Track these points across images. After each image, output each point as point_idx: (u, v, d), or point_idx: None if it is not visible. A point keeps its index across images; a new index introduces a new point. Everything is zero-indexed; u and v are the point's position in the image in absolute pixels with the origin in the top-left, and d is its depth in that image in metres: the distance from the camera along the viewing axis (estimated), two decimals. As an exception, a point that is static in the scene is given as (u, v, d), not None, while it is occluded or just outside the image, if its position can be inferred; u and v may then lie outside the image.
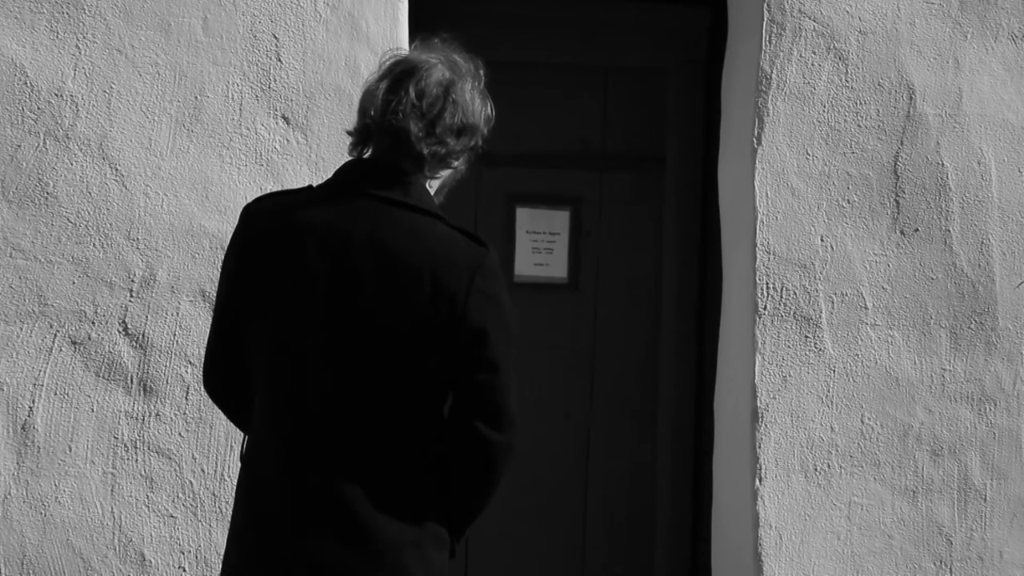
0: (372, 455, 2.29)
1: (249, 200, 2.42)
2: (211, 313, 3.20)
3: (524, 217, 3.97)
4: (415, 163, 2.34)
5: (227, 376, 2.43)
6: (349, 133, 2.42)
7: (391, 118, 2.32)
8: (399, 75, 2.34)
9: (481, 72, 2.41)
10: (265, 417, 2.35)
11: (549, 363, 4.13)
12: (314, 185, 2.45)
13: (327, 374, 2.28)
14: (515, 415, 2.34)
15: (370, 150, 2.39)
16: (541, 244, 3.94)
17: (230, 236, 3.23)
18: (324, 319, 2.28)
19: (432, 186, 2.40)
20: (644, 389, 4.15)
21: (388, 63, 2.39)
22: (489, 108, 2.41)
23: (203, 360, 2.48)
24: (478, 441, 2.31)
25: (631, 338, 4.15)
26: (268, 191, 3.27)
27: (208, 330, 2.46)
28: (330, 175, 3.35)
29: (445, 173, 2.41)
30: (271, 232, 2.33)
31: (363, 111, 2.38)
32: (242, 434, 2.53)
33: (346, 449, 2.29)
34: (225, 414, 2.54)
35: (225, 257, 2.43)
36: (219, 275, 2.43)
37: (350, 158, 2.42)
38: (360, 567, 2.27)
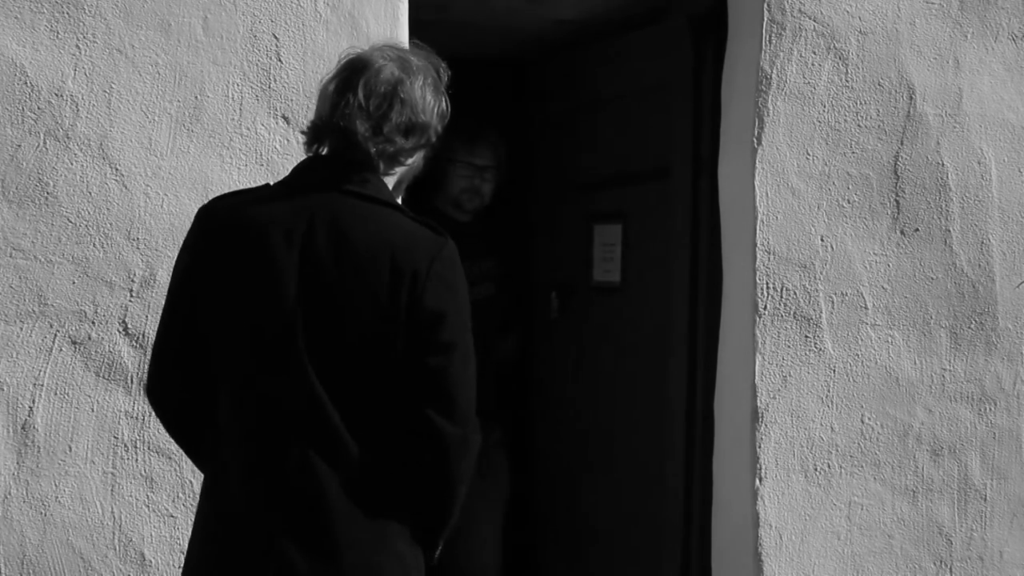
0: (344, 449, 2.28)
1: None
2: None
3: (598, 232, 4.51)
4: (367, 161, 2.33)
5: (182, 381, 2.39)
6: (302, 132, 2.42)
7: (338, 119, 2.31)
8: (348, 74, 2.34)
9: (440, 72, 2.39)
10: (231, 414, 2.33)
11: (607, 361, 4.44)
12: (271, 183, 2.43)
13: (297, 366, 2.27)
14: (469, 406, 2.31)
15: (326, 148, 2.38)
16: (607, 254, 4.47)
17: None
18: (292, 312, 2.26)
19: (389, 182, 2.40)
20: (653, 388, 4.17)
21: (342, 62, 2.38)
22: (443, 104, 2.39)
23: (149, 370, 2.43)
24: (431, 432, 2.28)
25: (650, 338, 4.20)
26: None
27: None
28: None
29: (400, 170, 2.41)
30: (232, 229, 2.31)
31: (317, 111, 2.38)
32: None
33: (317, 444, 2.27)
34: (169, 427, 2.48)
35: (179, 258, 2.39)
36: (171, 277, 2.41)
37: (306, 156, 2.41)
38: (330, 566, 2.26)
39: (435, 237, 2.32)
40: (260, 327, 2.29)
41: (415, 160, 2.42)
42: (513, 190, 4.55)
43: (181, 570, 2.45)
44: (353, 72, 2.34)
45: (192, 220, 2.41)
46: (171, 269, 3.19)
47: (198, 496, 3.20)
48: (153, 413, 3.20)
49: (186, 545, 3.21)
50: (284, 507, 2.27)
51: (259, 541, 2.28)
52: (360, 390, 2.29)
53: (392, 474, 2.31)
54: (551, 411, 4.67)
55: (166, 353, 2.40)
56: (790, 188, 3.68)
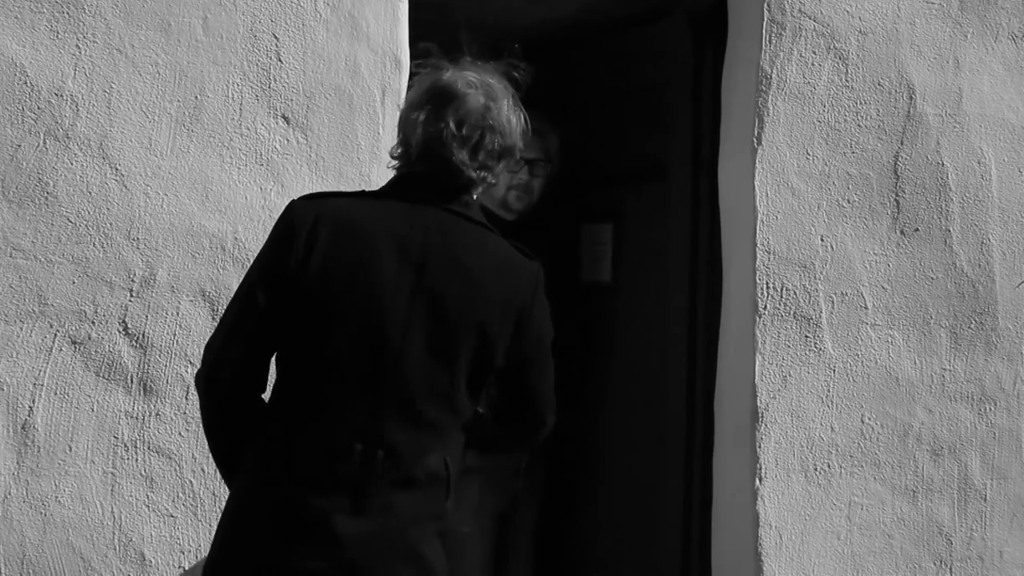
0: (428, 454, 2.40)
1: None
2: (212, 312, 3.22)
3: (587, 231, 4.47)
4: (468, 185, 2.47)
5: (245, 367, 2.42)
6: (393, 156, 2.51)
7: (435, 147, 2.43)
8: (437, 103, 2.44)
9: (514, 79, 2.53)
10: (299, 411, 2.39)
11: (603, 360, 4.43)
12: (366, 190, 2.59)
13: (396, 368, 2.37)
14: (552, 400, 2.60)
15: (418, 168, 2.48)
16: (597, 253, 4.43)
17: (230, 235, 3.25)
18: (402, 319, 2.37)
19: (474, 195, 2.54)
20: (652, 388, 4.17)
21: (425, 87, 2.48)
22: (524, 120, 2.54)
23: (216, 351, 2.43)
24: (529, 429, 2.61)
25: (646, 337, 4.20)
26: (267, 191, 3.28)
27: (223, 320, 2.47)
28: (330, 175, 3.36)
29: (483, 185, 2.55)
30: (347, 231, 2.40)
31: (404, 139, 2.48)
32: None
33: (401, 446, 2.38)
34: (214, 413, 2.47)
35: (269, 250, 2.43)
36: (259, 265, 2.44)
37: (397, 172, 2.52)
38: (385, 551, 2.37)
39: (531, 263, 2.52)
40: (367, 330, 2.37)
41: (498, 179, 2.58)
42: (563, 183, 4.37)
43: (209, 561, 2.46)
44: (440, 102, 2.44)
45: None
46: (171, 269, 3.22)
47: (198, 496, 3.22)
48: (152, 413, 3.22)
49: (186, 544, 3.22)
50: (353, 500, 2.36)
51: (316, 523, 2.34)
52: (458, 396, 2.43)
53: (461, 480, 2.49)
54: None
55: (239, 338, 2.41)
56: (790, 188, 3.68)
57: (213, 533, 3.21)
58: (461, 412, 2.45)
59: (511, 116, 2.48)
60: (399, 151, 2.49)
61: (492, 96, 2.46)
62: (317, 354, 2.39)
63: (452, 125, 2.41)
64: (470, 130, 2.42)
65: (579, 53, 4.54)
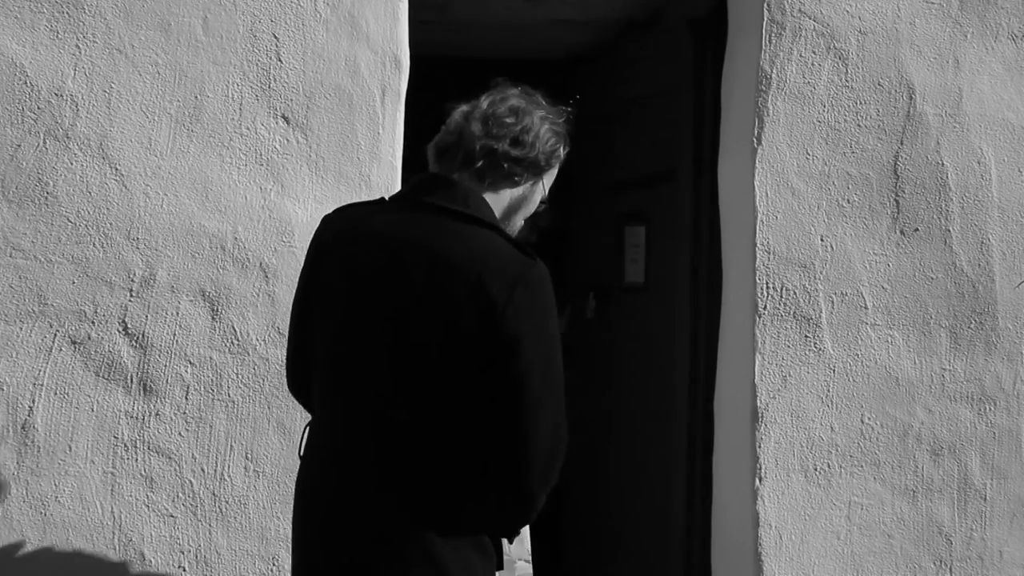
0: (418, 460, 2.36)
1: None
2: (211, 313, 3.23)
3: (629, 234, 4.59)
4: (470, 164, 2.43)
5: (303, 377, 2.59)
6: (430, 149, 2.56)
7: (460, 120, 2.48)
8: (482, 97, 2.52)
9: (564, 116, 2.53)
10: (319, 414, 2.51)
11: (619, 361, 4.48)
12: (386, 198, 2.57)
13: (375, 371, 2.37)
14: (547, 468, 2.34)
15: (444, 166, 2.49)
16: (635, 255, 4.56)
17: (230, 235, 3.26)
18: (372, 317, 2.38)
19: (493, 202, 2.46)
20: (660, 389, 4.17)
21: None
22: (556, 144, 2.51)
23: (285, 360, 2.68)
24: (507, 504, 2.37)
25: (659, 338, 4.22)
26: (267, 191, 3.29)
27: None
28: (330, 175, 3.39)
29: (506, 192, 2.49)
30: (338, 239, 2.49)
31: (444, 126, 2.53)
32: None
33: (392, 452, 2.37)
34: (299, 402, 2.71)
35: (304, 264, 2.61)
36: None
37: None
38: (397, 565, 2.36)
39: (524, 260, 2.32)
40: (341, 335, 2.42)
41: (523, 189, 2.50)
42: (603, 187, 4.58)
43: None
44: (485, 95, 2.51)
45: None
46: (171, 269, 3.22)
47: (198, 496, 3.22)
48: (152, 413, 3.22)
49: (185, 544, 3.23)
50: (356, 509, 2.39)
51: (331, 527, 2.41)
52: (436, 410, 2.35)
53: (465, 485, 2.37)
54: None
55: (290, 353, 2.64)
56: (790, 188, 3.68)
57: (213, 533, 3.23)
58: (439, 406, 2.34)
59: (543, 125, 2.49)
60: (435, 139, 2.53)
61: (531, 102, 2.51)
62: (314, 358, 2.52)
63: (484, 104, 2.48)
64: (495, 107, 2.47)
65: (595, 65, 4.57)
